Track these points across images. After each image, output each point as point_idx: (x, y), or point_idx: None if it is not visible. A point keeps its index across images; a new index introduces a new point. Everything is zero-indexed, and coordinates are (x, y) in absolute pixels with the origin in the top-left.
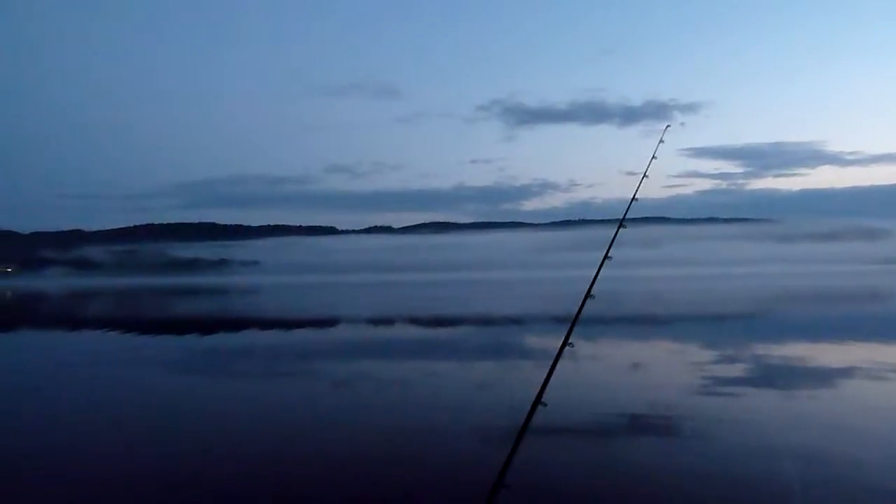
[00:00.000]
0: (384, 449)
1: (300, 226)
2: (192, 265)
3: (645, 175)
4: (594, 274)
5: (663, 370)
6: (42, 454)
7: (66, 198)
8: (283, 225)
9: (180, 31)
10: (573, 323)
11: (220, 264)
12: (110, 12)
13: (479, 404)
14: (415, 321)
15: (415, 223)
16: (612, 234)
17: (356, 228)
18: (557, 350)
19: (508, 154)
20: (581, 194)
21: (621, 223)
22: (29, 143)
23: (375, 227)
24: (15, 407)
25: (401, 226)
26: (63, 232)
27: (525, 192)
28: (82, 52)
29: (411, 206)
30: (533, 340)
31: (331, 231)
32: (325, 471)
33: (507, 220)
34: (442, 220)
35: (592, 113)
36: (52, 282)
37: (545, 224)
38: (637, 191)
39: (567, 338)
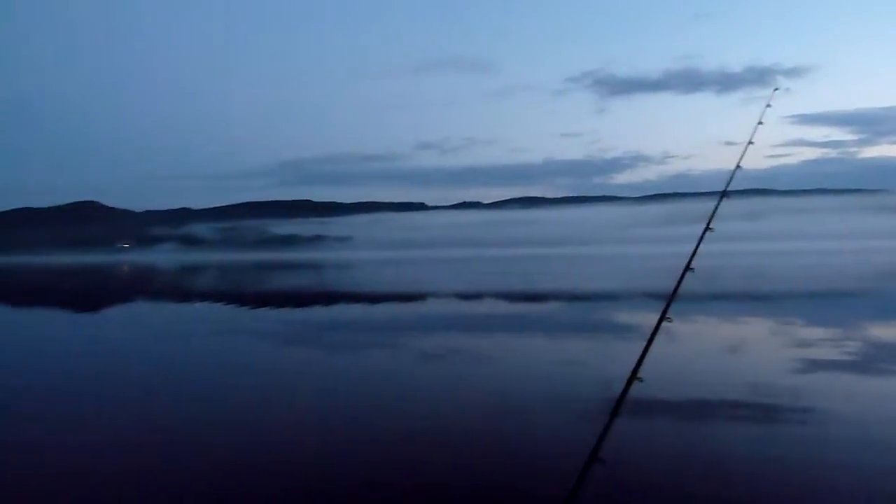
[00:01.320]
0: (476, 421)
1: (391, 202)
2: (289, 241)
3: (751, 142)
4: (694, 247)
5: (766, 350)
6: (161, 414)
7: (174, 178)
8: (374, 202)
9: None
10: (671, 296)
11: (315, 240)
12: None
13: (572, 379)
14: (505, 296)
15: (504, 198)
16: (712, 207)
17: (445, 204)
18: (654, 325)
19: (599, 126)
20: (676, 166)
21: (725, 192)
22: (141, 128)
23: (464, 202)
24: (133, 371)
25: (490, 201)
26: (172, 210)
27: (617, 165)
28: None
29: (500, 182)
30: (627, 316)
31: (420, 207)
32: (419, 443)
33: (599, 195)
34: (531, 195)
35: (688, 81)
36: (163, 256)
37: (638, 198)
38: (742, 158)
39: (665, 311)
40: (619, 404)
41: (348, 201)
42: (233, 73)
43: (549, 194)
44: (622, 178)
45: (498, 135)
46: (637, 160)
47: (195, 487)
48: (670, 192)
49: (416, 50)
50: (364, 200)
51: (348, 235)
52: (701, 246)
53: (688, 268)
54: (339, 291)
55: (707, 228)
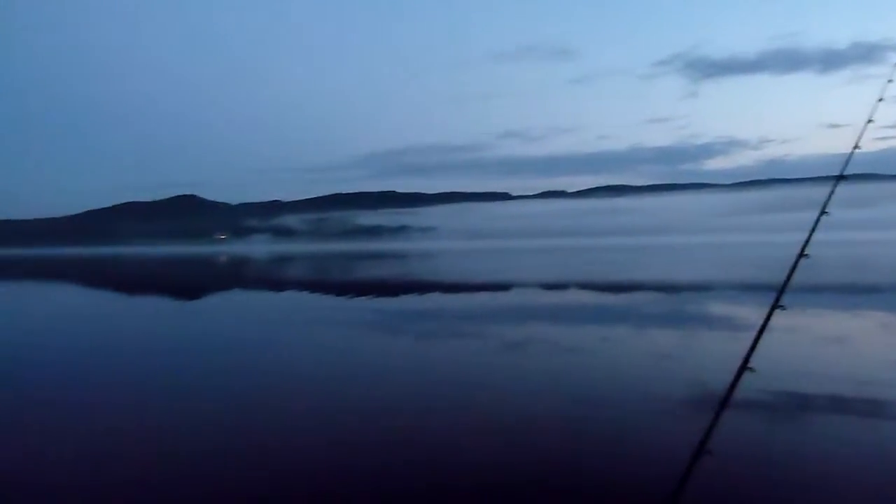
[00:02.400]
0: (573, 412)
1: (474, 192)
2: (375, 231)
3: (870, 120)
4: (808, 232)
5: (885, 344)
6: (253, 402)
7: (267, 171)
8: (458, 192)
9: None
10: (785, 283)
11: (400, 231)
12: None
13: (673, 369)
14: (594, 287)
15: (589, 187)
16: (815, 193)
17: (529, 193)
18: (765, 313)
19: (689, 111)
20: (773, 151)
21: (841, 175)
22: (237, 124)
23: (549, 191)
24: (227, 358)
25: (574, 190)
26: (264, 202)
27: (708, 150)
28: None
29: (585, 170)
30: (726, 306)
31: (504, 197)
32: (518, 433)
33: (689, 182)
34: (617, 183)
35: (786, 61)
36: (257, 247)
37: (732, 184)
38: (860, 137)
39: (778, 299)
40: (729, 394)
41: (432, 192)
42: (324, 69)
43: (637, 182)
44: (714, 165)
45: (582, 122)
46: (730, 145)
47: (297, 466)
48: (766, 178)
49: (498, 39)
50: (448, 191)
51: (432, 226)
52: (814, 232)
53: (802, 254)
54: (423, 281)
55: (822, 213)
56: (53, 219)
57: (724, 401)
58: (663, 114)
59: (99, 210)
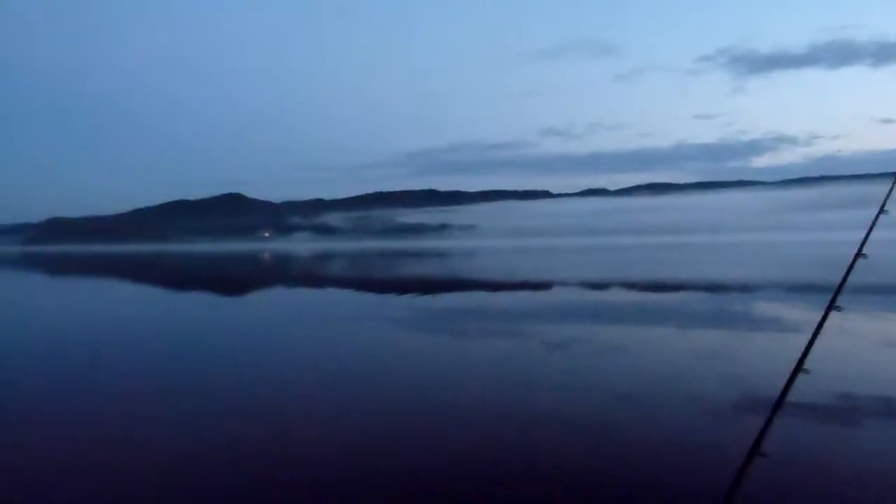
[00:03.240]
0: (623, 413)
1: (515, 190)
2: (416, 230)
3: None
4: (866, 231)
5: None
6: (294, 392)
7: (309, 170)
8: (498, 190)
9: (401, 6)
10: (841, 284)
11: (441, 229)
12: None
13: (726, 370)
14: (640, 286)
15: (632, 185)
16: (869, 190)
17: (571, 192)
18: (821, 314)
19: (736, 107)
20: (823, 147)
21: None
22: (282, 123)
23: (590, 189)
24: (274, 352)
25: (617, 188)
26: (307, 201)
27: (756, 147)
28: (320, 41)
29: (628, 167)
30: (776, 307)
31: (545, 195)
32: (563, 434)
33: (735, 179)
34: (661, 181)
35: (838, 54)
36: (300, 245)
37: (780, 182)
38: None
39: (834, 299)
40: (783, 396)
41: (473, 190)
42: (367, 68)
43: (681, 180)
44: (762, 162)
45: (624, 119)
46: (779, 142)
47: (340, 458)
48: (816, 175)
49: (540, 36)
50: (489, 189)
51: (473, 224)
52: (872, 231)
53: (859, 254)
54: (463, 279)
55: (882, 211)
56: (104, 217)
57: (779, 402)
58: (709, 110)
59: (148, 208)
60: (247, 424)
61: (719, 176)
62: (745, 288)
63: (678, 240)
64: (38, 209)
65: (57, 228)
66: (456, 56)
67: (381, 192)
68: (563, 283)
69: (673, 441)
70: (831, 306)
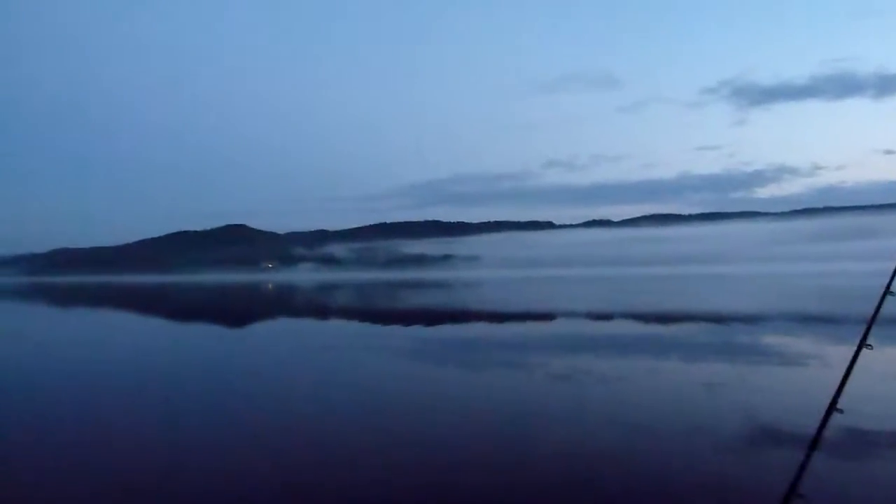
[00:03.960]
0: (644, 448)
1: (518, 221)
2: (419, 260)
3: None
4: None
5: None
6: (295, 421)
7: (313, 201)
8: (501, 221)
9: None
10: (871, 321)
11: (444, 259)
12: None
13: (745, 407)
14: (642, 317)
15: (635, 216)
16: (874, 220)
17: (574, 223)
18: (854, 351)
19: (739, 138)
20: (826, 178)
21: None
22: (285, 154)
23: (594, 220)
24: (278, 381)
25: (620, 219)
26: (311, 231)
27: (759, 178)
28: (320, 72)
29: (631, 199)
30: (787, 340)
31: (548, 226)
32: (570, 469)
33: (739, 210)
34: (665, 212)
35: (839, 86)
36: (303, 275)
37: (784, 213)
38: None
39: (865, 337)
40: (818, 435)
41: (476, 221)
42: (368, 99)
43: (685, 210)
44: (765, 192)
45: (627, 151)
46: (782, 172)
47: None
48: (820, 206)
49: (543, 68)
50: (491, 220)
51: (476, 255)
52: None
53: (888, 290)
54: (467, 310)
55: None
56: (108, 247)
57: (814, 442)
58: (712, 141)
59: (152, 239)
60: (251, 455)
61: (723, 207)
62: (755, 320)
63: (683, 271)
64: (42, 240)
65: (62, 259)
66: (459, 88)
67: (384, 223)
68: (568, 315)
69: (701, 483)
70: (863, 343)
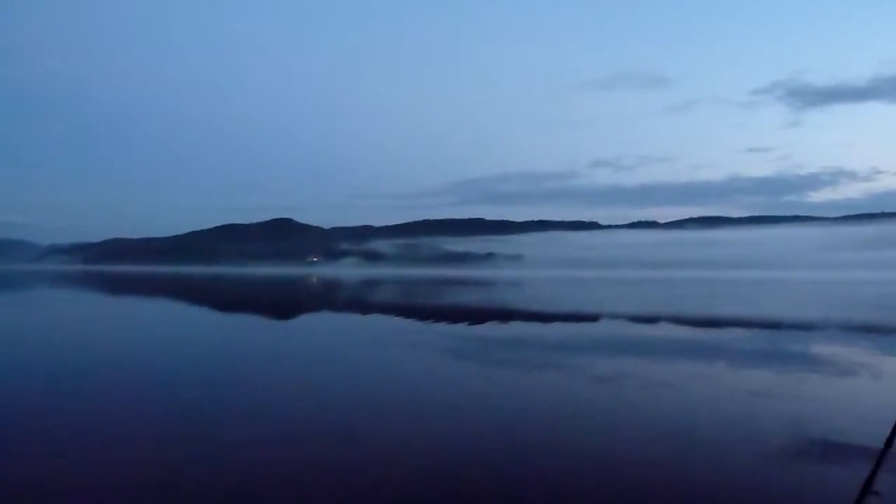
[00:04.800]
0: (694, 453)
1: (563, 221)
2: (462, 258)
3: None
4: None
5: None
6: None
7: (359, 196)
8: (546, 220)
9: (452, 35)
10: None
11: (487, 258)
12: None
13: (799, 414)
14: (688, 321)
15: (682, 217)
16: None
17: (619, 223)
18: None
19: (792, 140)
20: (886, 182)
21: None
22: (333, 149)
23: (640, 221)
24: (318, 375)
25: (667, 220)
26: (356, 227)
27: (813, 181)
28: (368, 68)
29: (679, 200)
30: (840, 349)
31: (593, 226)
32: (612, 470)
33: (791, 214)
34: (713, 215)
35: None
36: (347, 270)
37: (839, 218)
38: None
39: None
40: (893, 434)
41: (520, 220)
42: (416, 97)
43: (734, 213)
44: (820, 197)
45: (675, 152)
46: (838, 176)
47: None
48: (878, 211)
49: (591, 67)
50: (536, 219)
51: (519, 254)
52: None
53: None
54: (508, 309)
55: None
56: (160, 238)
57: (889, 440)
58: (763, 143)
59: (201, 231)
60: (299, 447)
61: (775, 210)
62: (806, 328)
63: (731, 275)
64: (97, 230)
65: (116, 248)
66: (508, 86)
67: (428, 220)
68: (612, 316)
69: (755, 490)
70: None
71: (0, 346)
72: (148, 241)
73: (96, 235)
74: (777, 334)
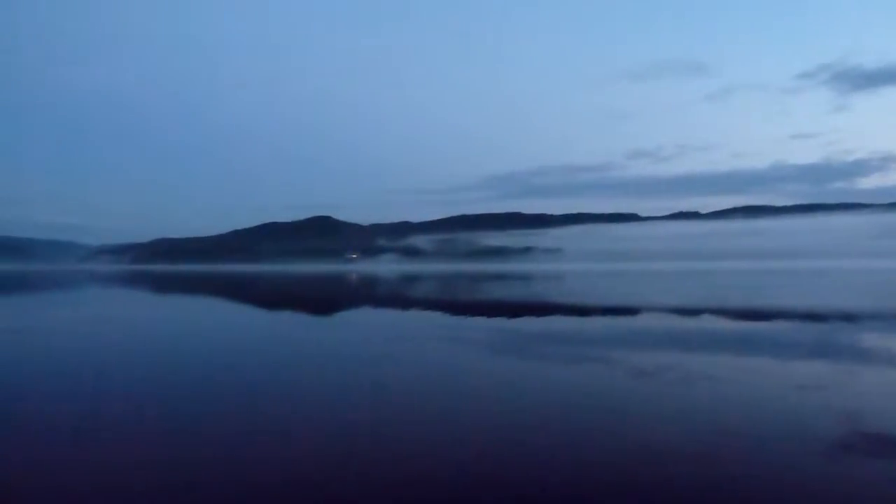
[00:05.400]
0: (749, 455)
1: (601, 213)
2: (500, 253)
3: None
4: None
5: None
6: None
7: (397, 193)
8: (584, 213)
9: (487, 27)
10: None
11: (525, 252)
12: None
13: (854, 412)
14: (732, 313)
15: (725, 207)
16: None
17: (660, 215)
18: None
19: (839, 125)
20: None
21: None
22: (371, 147)
23: (680, 212)
24: (358, 370)
25: (708, 211)
26: (394, 223)
27: (862, 167)
28: (405, 67)
29: (721, 190)
30: (889, 339)
31: (633, 218)
32: (661, 463)
33: (839, 201)
34: (756, 204)
35: None
36: (386, 266)
37: (890, 204)
38: None
39: None
40: None
41: (558, 213)
42: (452, 92)
43: (778, 202)
44: (869, 183)
45: (717, 140)
46: (888, 161)
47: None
48: None
49: (627, 56)
50: (574, 212)
51: (557, 247)
52: None
53: None
54: (547, 303)
55: None
56: (204, 237)
57: None
58: (808, 129)
59: (244, 230)
60: (344, 440)
61: (821, 198)
62: (856, 319)
63: (777, 265)
64: (145, 231)
65: (162, 248)
66: (544, 78)
67: (466, 215)
68: (653, 309)
69: (804, 485)
70: None
71: (90, 342)
72: (193, 240)
73: (144, 236)
74: (826, 326)
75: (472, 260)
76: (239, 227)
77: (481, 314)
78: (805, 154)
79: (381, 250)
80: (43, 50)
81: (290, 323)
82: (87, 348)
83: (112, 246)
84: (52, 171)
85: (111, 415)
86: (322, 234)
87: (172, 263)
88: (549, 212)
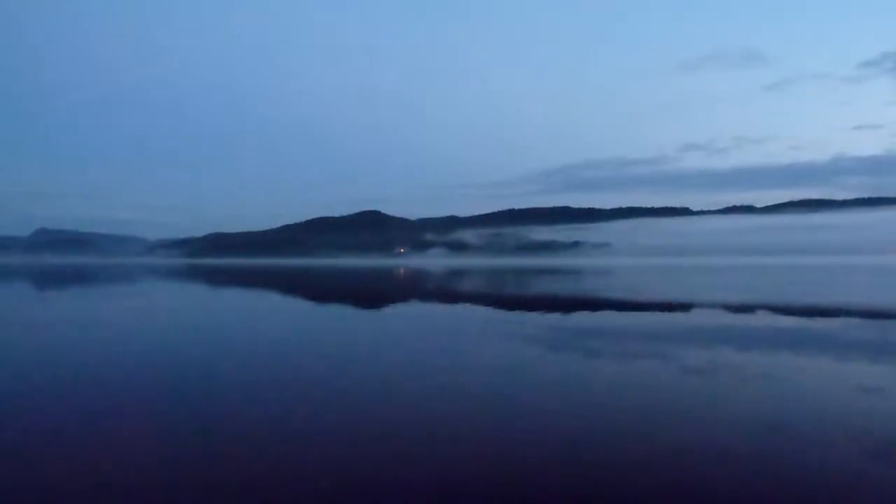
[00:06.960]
0: (803, 458)
1: (652, 207)
2: (549, 247)
3: None
4: None
5: None
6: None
7: (445, 187)
8: (634, 207)
9: (533, 20)
10: None
11: (573, 246)
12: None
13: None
14: (789, 310)
15: (781, 201)
16: None
17: (713, 209)
18: None
19: None
20: None
21: None
22: (419, 141)
23: (734, 206)
24: (404, 363)
25: (764, 205)
26: (442, 217)
27: None
28: (455, 62)
29: (777, 183)
30: None
31: (685, 212)
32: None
33: None
34: (815, 197)
35: None
36: (433, 260)
37: None
38: None
39: None
40: None
41: (608, 207)
42: (500, 86)
43: (838, 196)
44: None
45: (773, 132)
46: None
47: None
48: None
49: (681, 47)
50: (624, 206)
51: (606, 241)
52: None
53: None
54: (595, 298)
55: None
56: (256, 232)
57: None
58: (871, 120)
59: (294, 224)
60: (401, 436)
61: (885, 192)
62: None
63: (836, 261)
64: (200, 225)
65: (216, 242)
66: (594, 70)
67: (514, 210)
68: (705, 305)
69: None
70: None
71: (163, 334)
72: (245, 234)
73: (199, 230)
74: (888, 324)
75: (520, 254)
76: (289, 222)
77: (531, 309)
78: (867, 146)
79: (429, 244)
80: (113, 52)
81: (346, 317)
82: (160, 338)
83: (168, 240)
84: (113, 168)
85: (194, 402)
86: (370, 228)
87: (225, 257)
88: (598, 206)
